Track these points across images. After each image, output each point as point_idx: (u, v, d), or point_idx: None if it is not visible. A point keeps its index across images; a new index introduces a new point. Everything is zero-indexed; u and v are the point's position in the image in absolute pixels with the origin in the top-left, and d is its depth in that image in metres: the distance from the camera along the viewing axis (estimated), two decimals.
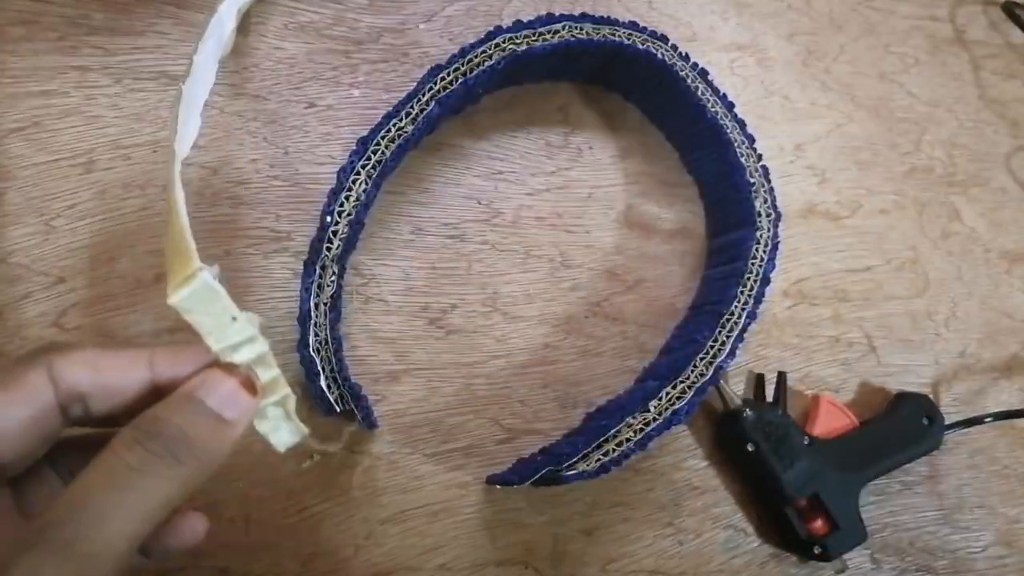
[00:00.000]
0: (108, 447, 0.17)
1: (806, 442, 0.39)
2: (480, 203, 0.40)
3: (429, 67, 0.36)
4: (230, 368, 0.20)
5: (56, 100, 0.35)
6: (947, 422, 0.43)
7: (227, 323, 0.20)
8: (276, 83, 0.38)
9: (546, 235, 0.41)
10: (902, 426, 0.42)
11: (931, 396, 0.44)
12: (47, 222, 0.34)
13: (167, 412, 0.18)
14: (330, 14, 0.39)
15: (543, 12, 0.38)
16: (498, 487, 0.37)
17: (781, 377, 0.41)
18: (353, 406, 0.34)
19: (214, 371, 0.19)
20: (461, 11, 0.41)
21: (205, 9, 0.37)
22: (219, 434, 0.18)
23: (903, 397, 0.43)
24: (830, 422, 0.41)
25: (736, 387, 0.42)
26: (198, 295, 0.20)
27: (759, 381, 0.42)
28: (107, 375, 0.19)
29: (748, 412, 0.39)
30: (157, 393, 0.19)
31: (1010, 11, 0.53)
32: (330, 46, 0.39)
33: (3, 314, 0.33)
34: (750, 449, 0.38)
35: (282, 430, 0.22)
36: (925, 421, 0.42)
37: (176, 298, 0.20)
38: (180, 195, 0.21)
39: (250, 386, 0.20)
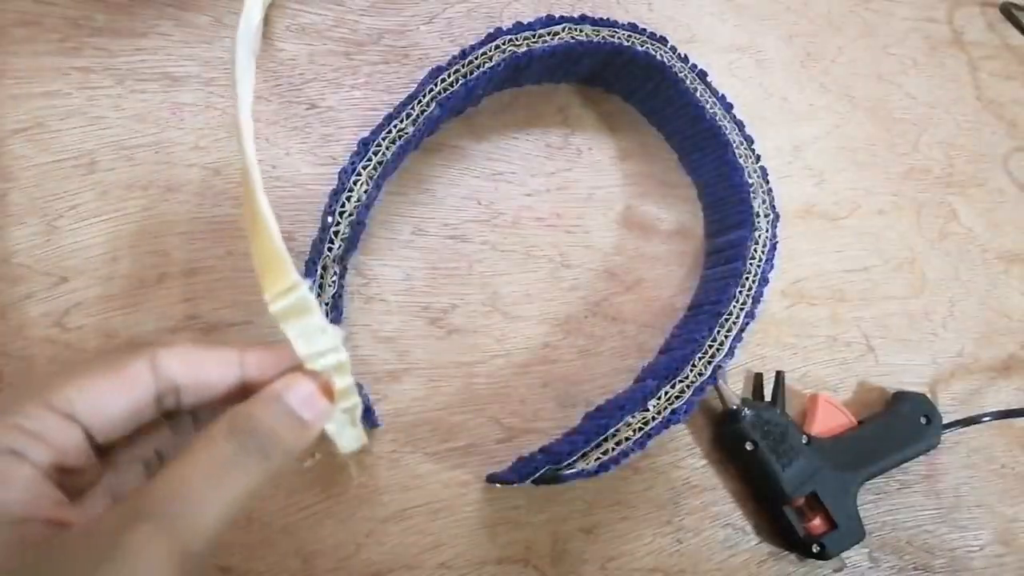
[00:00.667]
0: (208, 436, 0.19)
1: (804, 441, 0.39)
2: (480, 203, 0.40)
3: (430, 68, 0.37)
4: (311, 373, 0.21)
5: (59, 101, 0.35)
6: (945, 421, 0.43)
7: (316, 333, 0.21)
8: (277, 84, 0.38)
9: (546, 235, 0.41)
10: (900, 425, 0.42)
11: (929, 395, 0.44)
12: (50, 222, 0.34)
13: (259, 410, 0.20)
14: (331, 16, 0.40)
15: (543, 14, 0.38)
16: (498, 486, 0.37)
17: (779, 376, 0.41)
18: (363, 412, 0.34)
19: (297, 374, 0.21)
20: (461, 13, 0.42)
21: (207, 10, 0.38)
22: (299, 433, 0.20)
23: (901, 396, 0.43)
24: (828, 421, 0.41)
25: (735, 386, 0.42)
26: (296, 307, 0.21)
27: (757, 381, 0.42)
28: (203, 370, 0.20)
29: (746, 411, 0.39)
30: (243, 390, 0.21)
31: (1008, 12, 0.53)
32: (331, 48, 0.39)
33: (6, 314, 0.33)
34: (748, 448, 0.38)
35: (347, 435, 0.23)
36: (923, 420, 0.42)
37: (276, 307, 0.21)
38: (267, 207, 0.22)
39: (328, 391, 0.21)
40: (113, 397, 0.19)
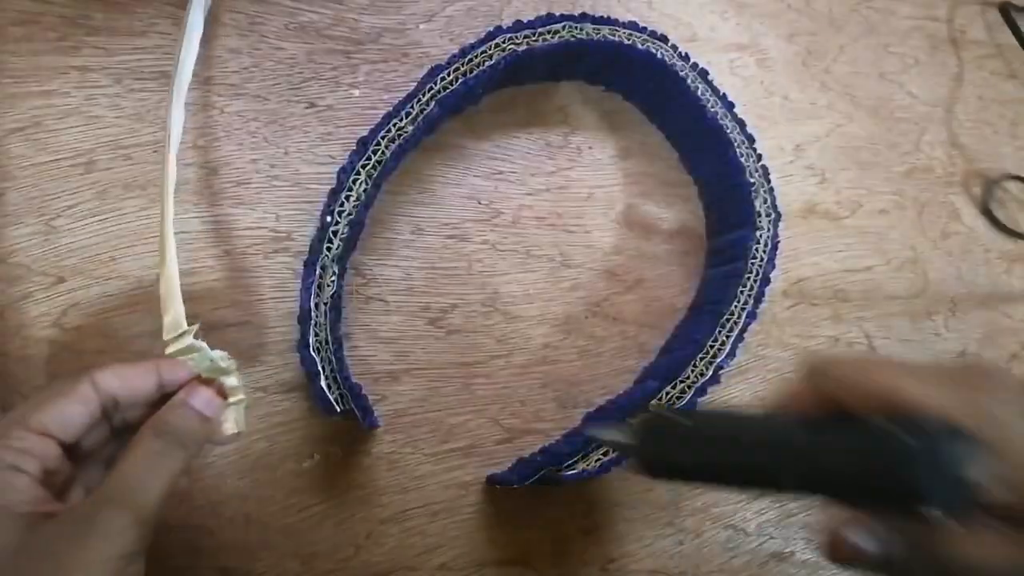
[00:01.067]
0: (139, 437, 0.25)
1: None
2: (480, 203, 0.40)
3: (429, 67, 0.36)
4: (208, 381, 0.28)
5: (56, 100, 0.35)
6: None
7: (207, 361, 0.29)
8: (276, 83, 0.38)
9: (546, 235, 0.41)
10: None
11: None
12: (47, 222, 0.34)
13: (172, 415, 0.26)
14: (330, 14, 0.39)
15: (543, 12, 0.38)
16: (498, 487, 0.37)
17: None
18: (353, 406, 0.34)
19: (195, 384, 0.28)
20: (461, 11, 0.42)
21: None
22: (204, 426, 0.27)
23: None
24: None
25: (736, 388, 0.42)
26: (186, 349, 0.29)
27: None
28: (130, 380, 0.26)
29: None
30: (163, 397, 0.27)
31: (1006, 13, 0.53)
32: (330, 46, 0.39)
33: (3, 314, 0.33)
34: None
35: (231, 421, 0.29)
36: None
37: (170, 350, 0.28)
38: (172, 251, 0.29)
39: (221, 392, 0.28)
40: (71, 412, 0.25)
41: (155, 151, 0.35)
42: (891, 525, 0.21)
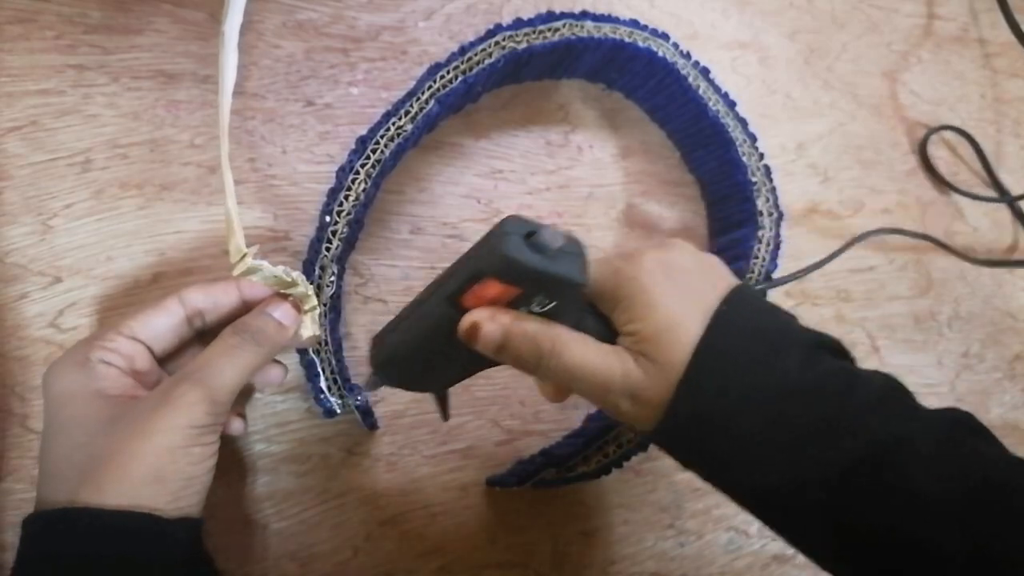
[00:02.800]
0: (222, 334, 0.29)
1: None
2: (480, 202, 0.40)
3: (428, 65, 0.36)
4: (285, 296, 0.31)
5: (53, 99, 0.34)
6: None
7: (276, 275, 0.31)
8: (274, 82, 0.37)
9: None
10: None
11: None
12: (44, 221, 0.34)
13: (252, 318, 0.30)
14: (329, 12, 0.39)
15: (543, 10, 0.38)
16: (498, 489, 0.36)
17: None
18: (353, 407, 0.33)
19: (276, 297, 0.31)
20: (460, 9, 0.41)
21: (202, 7, 0.37)
22: (279, 331, 0.30)
23: None
24: None
25: None
26: (249, 268, 0.31)
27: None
28: (213, 295, 0.30)
29: None
30: (245, 309, 0.31)
31: (1002, 2, 0.53)
32: (328, 44, 0.39)
33: (0, 314, 0.32)
34: None
35: (307, 328, 0.32)
36: None
37: (236, 271, 0.30)
38: (234, 202, 0.31)
39: (297, 307, 0.31)
40: (158, 322, 0.29)
41: (152, 150, 0.35)
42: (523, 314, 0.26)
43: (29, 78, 0.34)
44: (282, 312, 0.30)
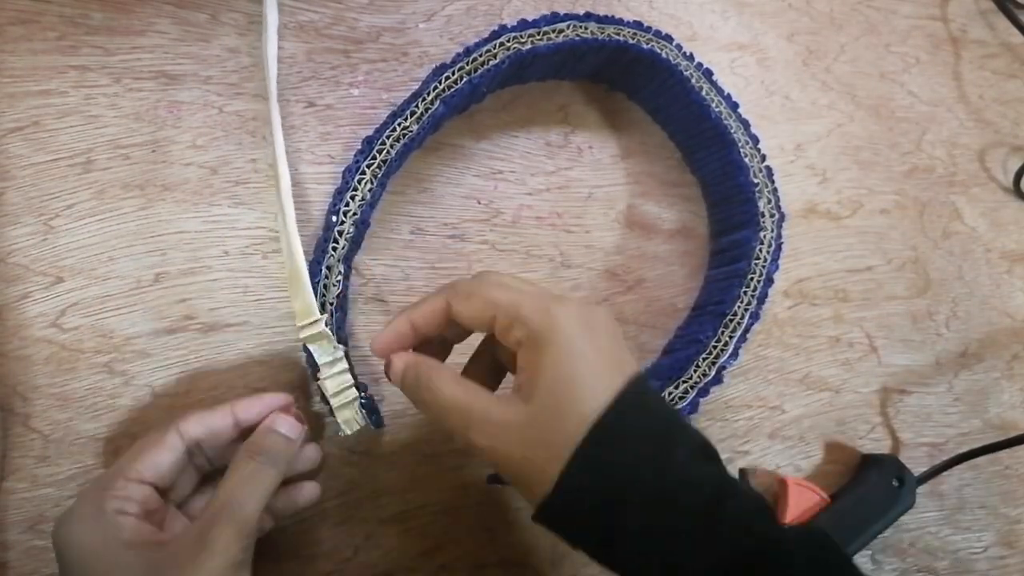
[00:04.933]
0: (236, 462, 0.29)
1: None
2: (480, 203, 0.40)
3: (433, 66, 0.36)
4: (287, 409, 0.31)
5: (55, 100, 0.35)
6: (916, 474, 0.41)
7: (328, 351, 0.33)
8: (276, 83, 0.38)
9: (546, 235, 0.41)
10: (872, 494, 0.40)
11: (896, 456, 0.42)
12: (46, 222, 0.34)
13: (261, 439, 0.30)
14: (330, 13, 0.39)
15: (543, 12, 0.38)
16: (499, 486, 0.36)
17: (743, 475, 0.39)
18: (358, 405, 0.34)
19: (278, 413, 0.31)
20: (461, 10, 0.41)
21: (204, 8, 0.37)
22: (288, 446, 0.30)
23: (870, 461, 0.42)
24: (801, 505, 0.39)
25: (737, 388, 0.42)
26: (316, 335, 0.33)
27: None
28: (210, 423, 0.30)
29: None
30: (241, 434, 0.30)
31: (1001, 2, 0.53)
32: (329, 45, 0.39)
33: (2, 314, 0.33)
34: None
35: (350, 419, 0.33)
36: (895, 483, 0.40)
37: (303, 335, 0.33)
38: (303, 261, 0.33)
39: (300, 419, 0.31)
40: (161, 460, 0.29)
41: (153, 150, 0.35)
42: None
43: (31, 79, 0.35)
44: (287, 426, 0.30)
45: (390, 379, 0.30)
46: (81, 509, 0.27)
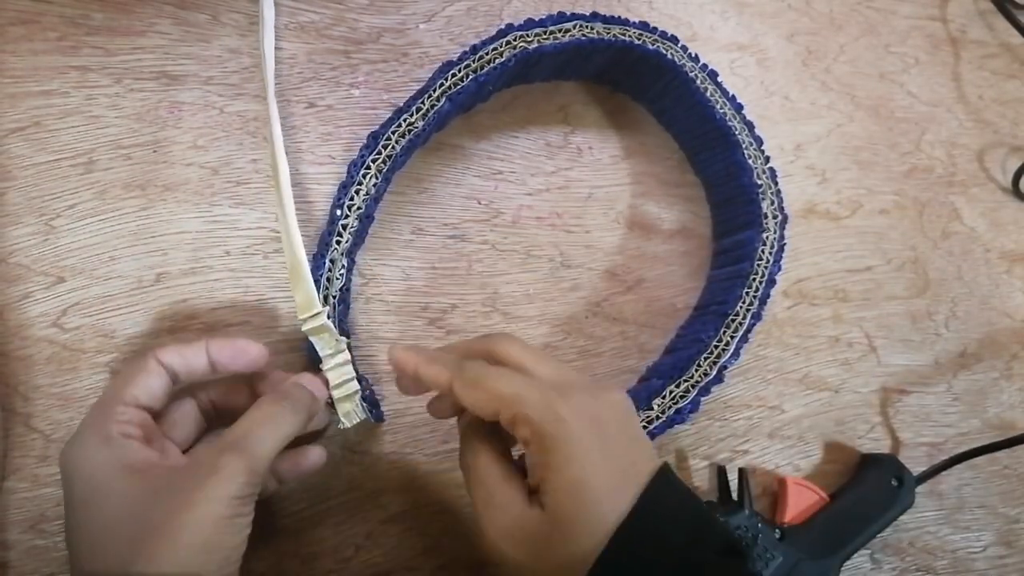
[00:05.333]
0: (260, 402, 0.29)
1: (778, 536, 0.38)
2: (480, 203, 0.40)
3: (434, 67, 0.36)
4: (317, 372, 0.33)
5: (56, 100, 0.35)
6: (915, 474, 0.41)
7: (330, 342, 0.33)
8: (276, 83, 0.38)
9: (546, 235, 0.41)
10: (871, 494, 0.40)
11: (895, 456, 0.42)
12: (47, 222, 0.34)
13: (291, 388, 0.30)
14: (330, 14, 0.39)
15: (543, 12, 0.38)
16: None
17: (742, 474, 0.39)
18: (359, 399, 0.34)
19: (307, 374, 0.32)
20: (461, 11, 0.41)
21: (205, 8, 0.37)
22: (312, 401, 0.30)
23: (869, 461, 0.42)
24: (800, 504, 0.39)
25: (736, 388, 0.42)
26: (317, 328, 0.33)
27: (722, 477, 0.39)
28: (187, 358, 0.30)
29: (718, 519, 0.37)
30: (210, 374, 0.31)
31: (1000, 3, 0.53)
32: (330, 46, 0.39)
33: (3, 314, 0.33)
34: None
35: (350, 412, 0.34)
36: (894, 483, 0.40)
37: (305, 327, 0.33)
38: (304, 255, 0.33)
39: (325, 382, 0.33)
40: (153, 385, 0.29)
41: (155, 151, 0.35)
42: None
43: (32, 79, 0.35)
44: (316, 385, 0.31)
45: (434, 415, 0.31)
46: (86, 434, 0.27)
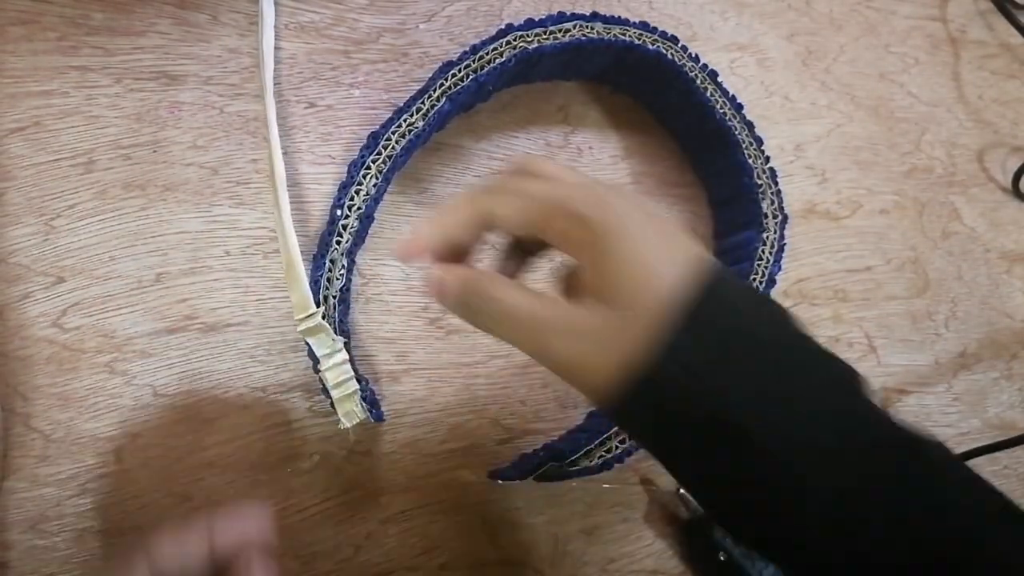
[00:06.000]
0: None
1: None
2: None
3: (434, 66, 0.36)
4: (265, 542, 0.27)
5: (56, 100, 0.35)
6: None
7: (326, 342, 0.33)
8: (276, 83, 0.38)
9: None
10: None
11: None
12: (47, 222, 0.34)
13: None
14: (330, 14, 0.39)
15: (543, 12, 0.38)
16: (499, 482, 0.36)
17: None
18: (359, 399, 0.34)
19: (251, 556, 0.26)
20: (461, 11, 0.41)
21: (205, 9, 0.37)
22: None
23: None
24: None
25: None
26: (312, 328, 0.33)
27: None
28: (184, 548, 0.25)
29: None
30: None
31: (1000, 3, 0.53)
32: (330, 46, 0.39)
33: (3, 314, 0.33)
34: (722, 559, 0.36)
35: (349, 412, 0.33)
36: None
37: (300, 328, 0.33)
38: (299, 255, 0.34)
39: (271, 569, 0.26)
40: None
41: (154, 151, 0.35)
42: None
43: (32, 79, 0.35)
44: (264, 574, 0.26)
45: (438, 298, 0.26)
46: None
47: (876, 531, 0.21)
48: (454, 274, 0.25)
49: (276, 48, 0.38)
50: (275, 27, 0.38)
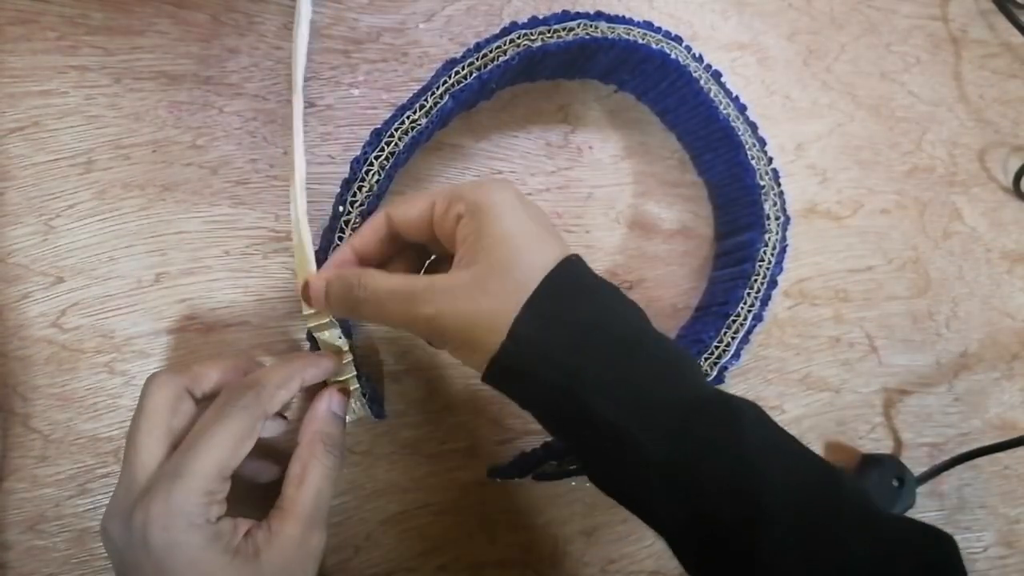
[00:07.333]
0: (314, 457, 0.30)
1: None
2: None
3: (434, 66, 0.36)
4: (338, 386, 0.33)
5: (55, 100, 0.35)
6: (916, 474, 0.41)
7: (334, 340, 0.33)
8: (276, 83, 0.38)
9: None
10: (872, 494, 0.39)
11: (896, 456, 0.42)
12: (47, 222, 0.34)
13: (332, 428, 0.31)
14: (330, 14, 0.39)
15: (542, 11, 0.38)
16: (498, 480, 0.36)
17: None
18: (360, 395, 0.34)
19: (332, 389, 0.32)
20: (461, 10, 0.41)
21: (205, 8, 0.37)
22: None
23: (870, 461, 0.42)
24: None
25: (736, 388, 0.42)
26: (322, 325, 0.33)
27: None
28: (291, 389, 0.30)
29: None
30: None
31: (1001, 2, 0.53)
32: (329, 46, 0.39)
33: (2, 314, 0.33)
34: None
35: (352, 410, 0.34)
36: (895, 483, 0.40)
37: (310, 325, 0.33)
38: (312, 254, 0.33)
39: (345, 392, 0.33)
40: (247, 447, 0.27)
41: (154, 151, 0.35)
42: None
43: (31, 79, 0.35)
44: (341, 406, 0.32)
45: (312, 304, 0.30)
46: (178, 518, 0.25)
47: (685, 481, 0.25)
48: (319, 277, 0.30)
49: (276, 48, 0.38)
50: (275, 27, 0.38)
